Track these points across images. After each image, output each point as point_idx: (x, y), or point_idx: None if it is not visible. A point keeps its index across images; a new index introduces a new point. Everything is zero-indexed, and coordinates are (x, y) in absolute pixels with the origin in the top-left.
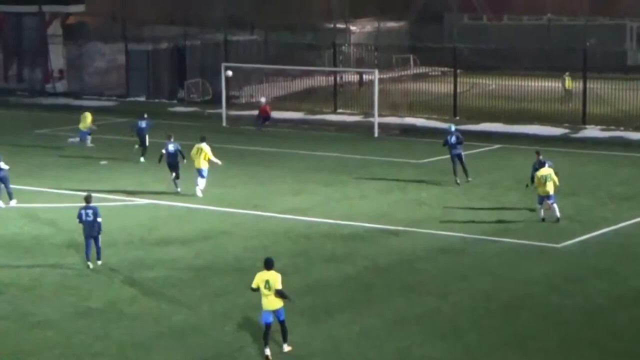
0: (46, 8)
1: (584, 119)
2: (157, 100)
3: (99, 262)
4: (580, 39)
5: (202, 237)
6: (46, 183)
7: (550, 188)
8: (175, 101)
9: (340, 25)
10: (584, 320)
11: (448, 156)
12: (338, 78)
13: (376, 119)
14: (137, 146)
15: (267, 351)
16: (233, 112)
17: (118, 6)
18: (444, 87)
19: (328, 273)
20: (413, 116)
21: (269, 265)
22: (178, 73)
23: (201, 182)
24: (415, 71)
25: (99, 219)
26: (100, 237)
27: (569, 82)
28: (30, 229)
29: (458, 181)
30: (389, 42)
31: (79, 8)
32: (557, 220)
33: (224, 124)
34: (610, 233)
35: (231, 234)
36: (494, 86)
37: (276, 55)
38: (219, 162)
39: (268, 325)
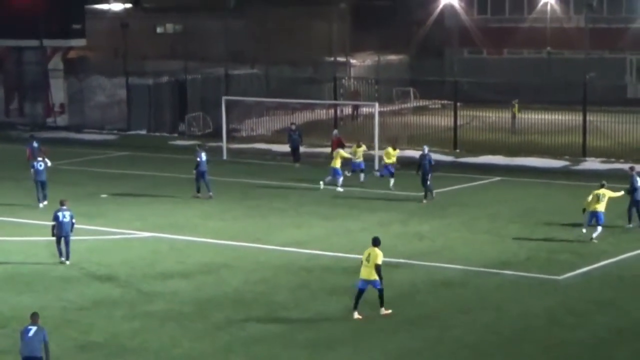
0: (47, 42)
1: (584, 152)
2: (157, 134)
3: (68, 262)
4: (581, 73)
5: (203, 270)
6: (47, 216)
7: (600, 207)
8: (176, 135)
9: (341, 59)
10: (586, 354)
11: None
12: (338, 111)
13: (377, 152)
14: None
15: (356, 314)
16: (234, 146)
17: (119, 40)
18: (444, 120)
19: (329, 306)
20: (413, 149)
21: (374, 242)
22: (179, 107)
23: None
24: (415, 104)
25: (73, 220)
26: (70, 238)
27: (516, 111)
28: (31, 262)
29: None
30: (390, 76)
31: (80, 42)
32: (591, 239)
33: (225, 157)
34: (611, 265)
35: (232, 267)
36: (494, 119)
37: (277, 89)
38: (347, 155)
39: (360, 291)
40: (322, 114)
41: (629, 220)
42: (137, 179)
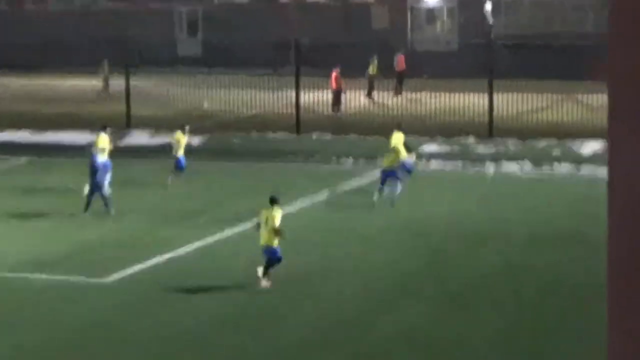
0: None
1: (129, 122)
2: None
3: None
4: (121, 28)
5: None
6: None
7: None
8: None
9: None
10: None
11: None
12: None
13: None
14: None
15: (264, 282)
16: None
17: None
18: None
19: None
20: None
21: (274, 201)
22: None
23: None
24: None
25: None
26: None
27: (106, 78)
28: None
29: None
30: None
31: None
32: (392, 204)
33: None
34: (169, 260)
35: None
36: (17, 87)
37: None
38: None
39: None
40: None
41: (86, 209)
42: None
